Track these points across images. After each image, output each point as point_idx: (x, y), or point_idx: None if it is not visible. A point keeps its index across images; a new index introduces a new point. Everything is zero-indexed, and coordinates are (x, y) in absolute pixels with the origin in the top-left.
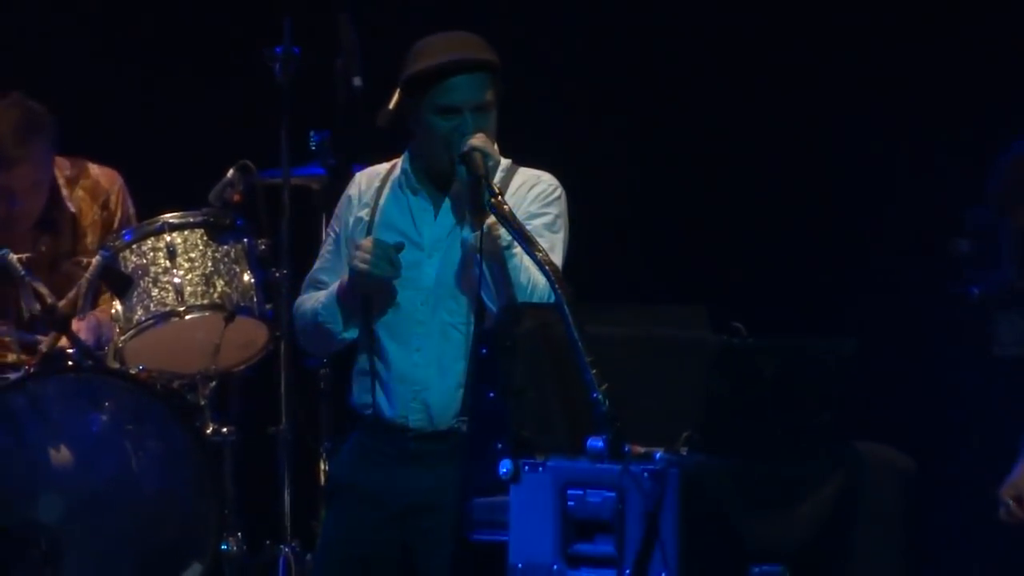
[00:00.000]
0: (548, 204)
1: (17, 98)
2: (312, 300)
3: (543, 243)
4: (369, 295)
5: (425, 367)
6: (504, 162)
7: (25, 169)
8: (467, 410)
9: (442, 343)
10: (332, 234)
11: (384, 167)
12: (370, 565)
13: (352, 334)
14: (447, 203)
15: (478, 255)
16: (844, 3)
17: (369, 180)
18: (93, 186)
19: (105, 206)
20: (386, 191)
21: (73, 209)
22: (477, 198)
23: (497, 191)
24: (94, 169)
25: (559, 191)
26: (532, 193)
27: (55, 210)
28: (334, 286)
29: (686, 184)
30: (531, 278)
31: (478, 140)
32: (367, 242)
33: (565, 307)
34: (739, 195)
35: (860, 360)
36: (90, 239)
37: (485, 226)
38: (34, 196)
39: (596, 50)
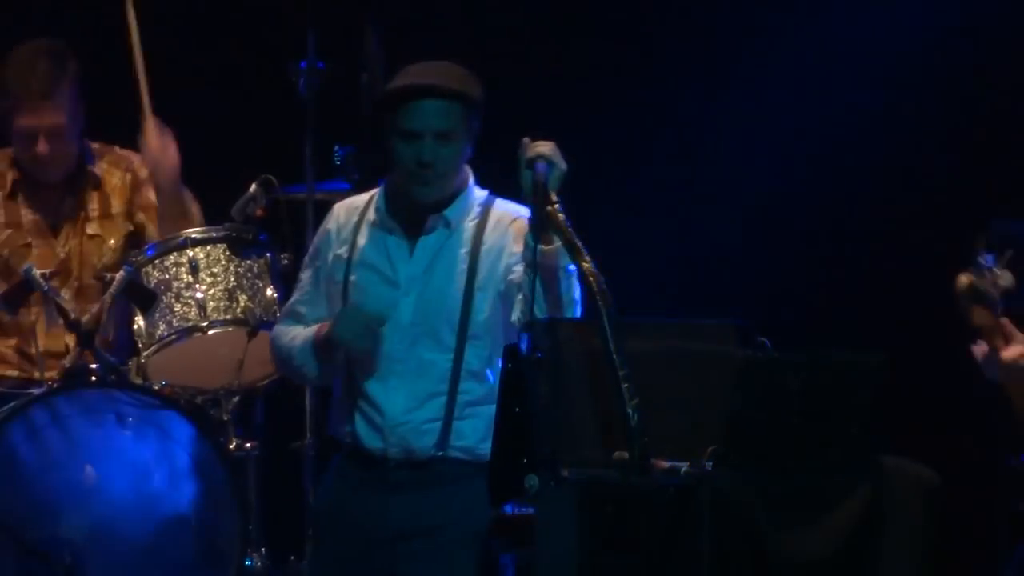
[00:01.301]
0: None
1: (44, 41)
2: (288, 337)
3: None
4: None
5: (403, 402)
6: (480, 194)
7: (51, 109)
8: (445, 443)
9: (418, 379)
10: (310, 267)
11: (362, 199)
12: None
13: (325, 380)
14: (422, 240)
15: (531, 269)
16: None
17: (348, 214)
18: (118, 158)
19: (129, 169)
20: (363, 227)
21: (99, 172)
22: (539, 206)
23: (554, 200)
24: (121, 150)
25: None
26: (514, 228)
27: (82, 174)
28: (311, 332)
29: (712, 198)
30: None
31: (545, 148)
32: (353, 312)
33: (605, 319)
34: (764, 208)
35: (886, 374)
36: (115, 204)
37: (541, 248)
38: (58, 144)
39: (630, 63)
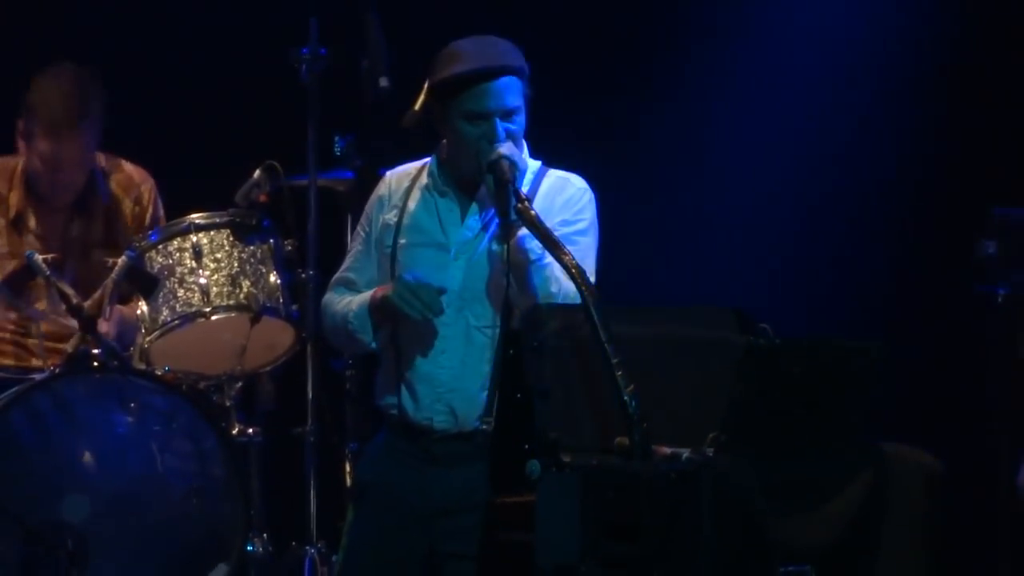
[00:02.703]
0: (579, 210)
1: (70, 67)
2: (343, 304)
3: (576, 250)
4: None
5: (449, 369)
6: (533, 164)
7: (76, 140)
8: (491, 411)
9: (466, 346)
10: (362, 233)
11: (413, 168)
12: (398, 566)
13: (380, 345)
14: (474, 207)
15: (505, 266)
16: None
17: (399, 181)
18: (126, 180)
19: (137, 201)
20: (414, 193)
21: (107, 198)
22: (504, 205)
23: (523, 197)
24: (127, 166)
25: (588, 194)
26: (561, 199)
27: (91, 196)
28: (366, 296)
29: (712, 184)
30: (561, 287)
31: (505, 148)
32: (413, 283)
33: (592, 309)
34: (763, 195)
35: (886, 361)
36: (122, 232)
37: (512, 239)
38: (79, 169)
39: (626, 50)
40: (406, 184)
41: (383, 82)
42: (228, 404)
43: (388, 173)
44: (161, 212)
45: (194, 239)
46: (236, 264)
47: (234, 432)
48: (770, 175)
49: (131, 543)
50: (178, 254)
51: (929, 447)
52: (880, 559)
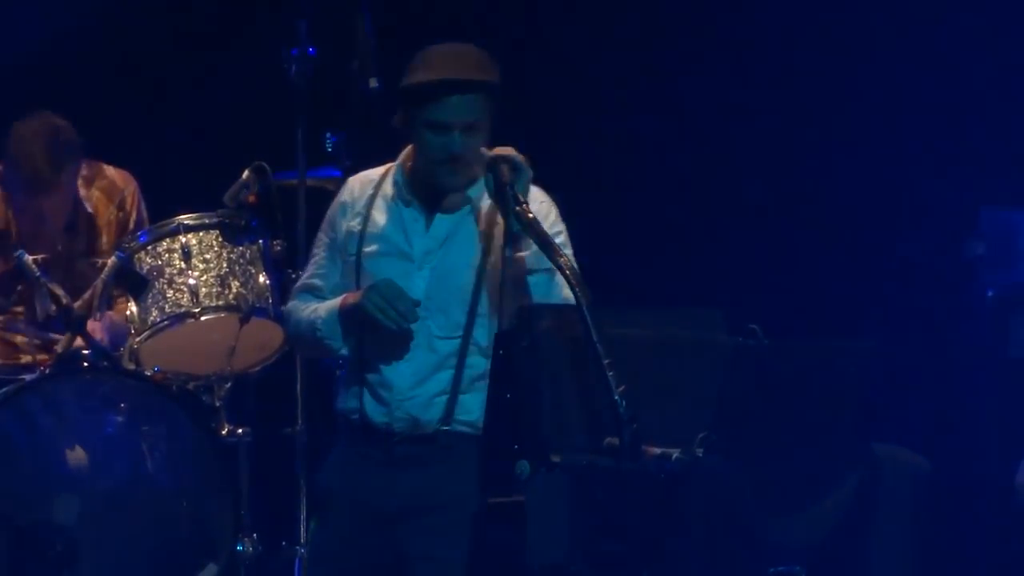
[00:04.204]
0: (553, 222)
1: (46, 119)
2: (309, 311)
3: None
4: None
5: (410, 376)
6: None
7: (58, 193)
8: (450, 416)
9: (428, 354)
10: (325, 239)
11: (377, 173)
12: (363, 573)
13: (349, 349)
14: (439, 216)
15: (504, 273)
16: (857, 1)
17: (362, 187)
18: (109, 186)
19: (121, 207)
20: (378, 201)
21: (90, 209)
22: (503, 207)
23: (522, 200)
24: (109, 170)
25: (554, 206)
26: (541, 215)
27: (74, 213)
28: (335, 303)
29: (702, 186)
30: (562, 298)
31: (507, 150)
32: (388, 289)
33: (586, 311)
34: (755, 197)
35: (876, 362)
36: (105, 239)
37: (509, 254)
38: (62, 214)
39: (612, 49)
40: (369, 191)
41: (373, 83)
42: (218, 404)
43: (351, 179)
44: (145, 214)
45: (183, 240)
46: (225, 265)
47: (224, 432)
48: (760, 176)
49: (121, 543)
50: (167, 255)
51: (919, 447)
52: (870, 558)
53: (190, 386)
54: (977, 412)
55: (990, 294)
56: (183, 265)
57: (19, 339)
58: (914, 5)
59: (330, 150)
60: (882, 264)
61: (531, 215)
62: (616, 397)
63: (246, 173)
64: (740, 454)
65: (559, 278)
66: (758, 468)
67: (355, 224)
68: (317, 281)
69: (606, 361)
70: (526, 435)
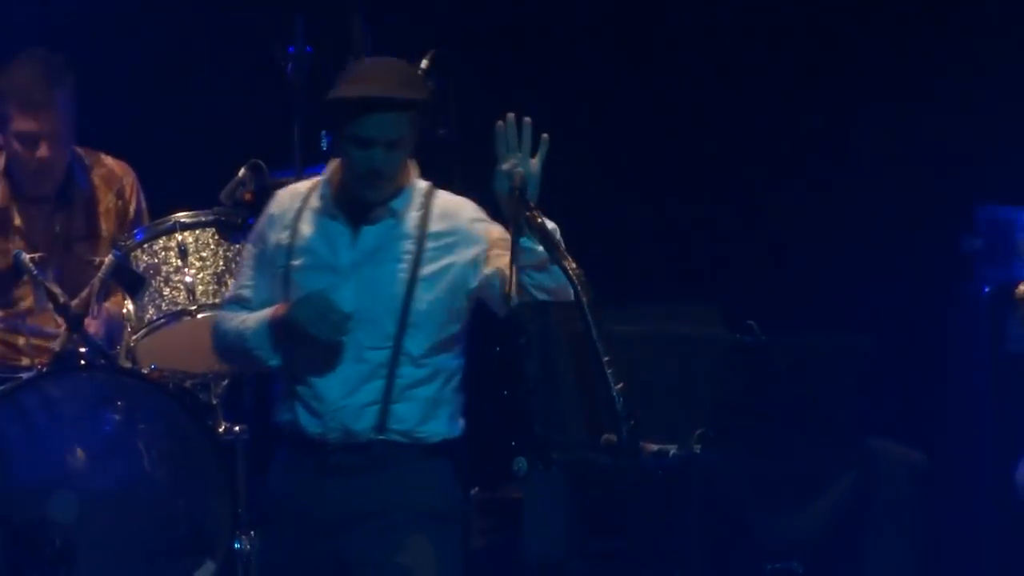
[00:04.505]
0: (481, 218)
1: (40, 49)
2: (237, 322)
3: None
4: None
5: (340, 387)
6: (422, 185)
7: (50, 114)
8: (383, 425)
9: (357, 364)
10: (254, 251)
11: (304, 186)
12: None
13: (279, 360)
14: (365, 229)
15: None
16: None
17: (291, 200)
18: (108, 174)
19: (120, 195)
20: (306, 214)
21: (89, 189)
22: (515, 214)
23: (532, 206)
24: (108, 159)
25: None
26: (464, 216)
27: (71, 188)
28: (264, 315)
29: (699, 183)
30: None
31: (519, 178)
32: (319, 301)
33: (587, 310)
34: (751, 193)
35: (872, 357)
36: (104, 226)
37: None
38: (58, 148)
39: (608, 46)
40: (297, 204)
41: None
42: (214, 402)
43: (279, 191)
44: (144, 204)
45: (180, 238)
46: (222, 263)
47: (220, 430)
48: (756, 171)
49: (118, 541)
50: (164, 253)
51: (915, 442)
52: (867, 552)
53: (187, 384)
54: (973, 407)
55: (986, 290)
56: (179, 263)
57: (21, 341)
58: (912, 1)
59: (325, 148)
60: (879, 261)
61: (540, 220)
62: (614, 394)
63: (242, 171)
64: (737, 450)
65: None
66: (755, 464)
67: (283, 237)
68: (245, 292)
69: (605, 359)
70: (523, 432)
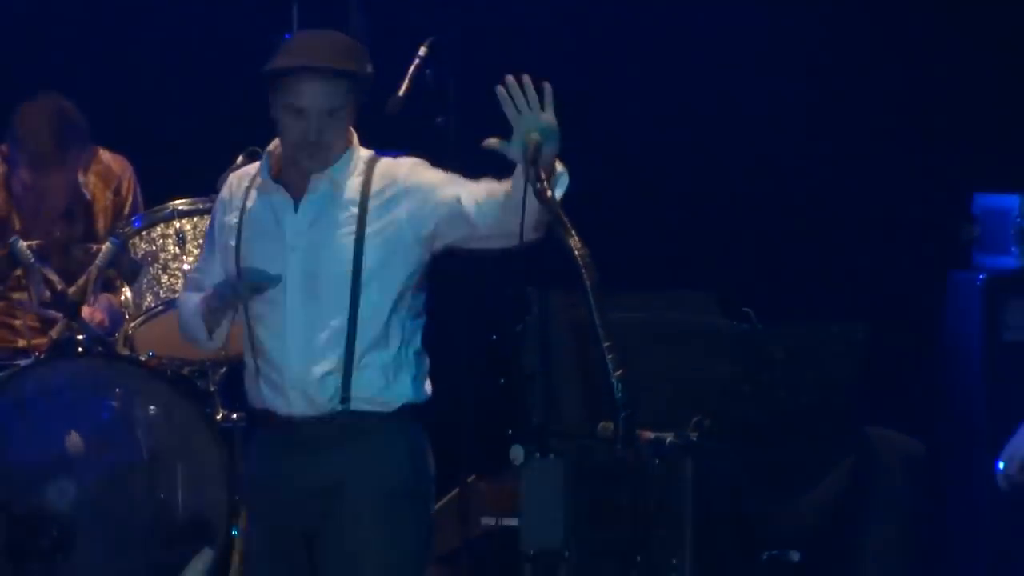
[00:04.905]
0: (419, 165)
1: (55, 99)
2: (186, 304)
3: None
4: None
5: (299, 357)
6: (365, 153)
7: (61, 173)
8: (347, 393)
9: (315, 333)
10: (209, 235)
11: (254, 167)
12: (286, 556)
13: (215, 344)
14: (306, 197)
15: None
16: None
17: (239, 182)
18: (105, 171)
19: (117, 192)
20: (251, 192)
21: (88, 196)
22: (530, 177)
23: (544, 177)
24: (105, 155)
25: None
26: (402, 170)
27: (74, 199)
28: (199, 300)
29: (695, 169)
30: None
31: (546, 118)
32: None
33: (590, 293)
34: (747, 180)
35: (869, 345)
36: (101, 224)
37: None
38: (63, 195)
39: (606, 34)
40: (245, 183)
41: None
42: (212, 389)
43: (232, 174)
44: (140, 200)
45: (177, 225)
46: None
47: (219, 417)
48: (752, 158)
49: (116, 528)
50: (162, 240)
51: (912, 431)
52: (863, 541)
53: (185, 371)
54: (969, 395)
55: (983, 278)
56: (177, 250)
57: (17, 322)
58: None
59: None
60: (875, 248)
61: (550, 194)
62: (613, 380)
63: (240, 158)
64: (734, 438)
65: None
66: (752, 452)
67: (232, 217)
68: (198, 275)
69: (606, 344)
70: (520, 420)
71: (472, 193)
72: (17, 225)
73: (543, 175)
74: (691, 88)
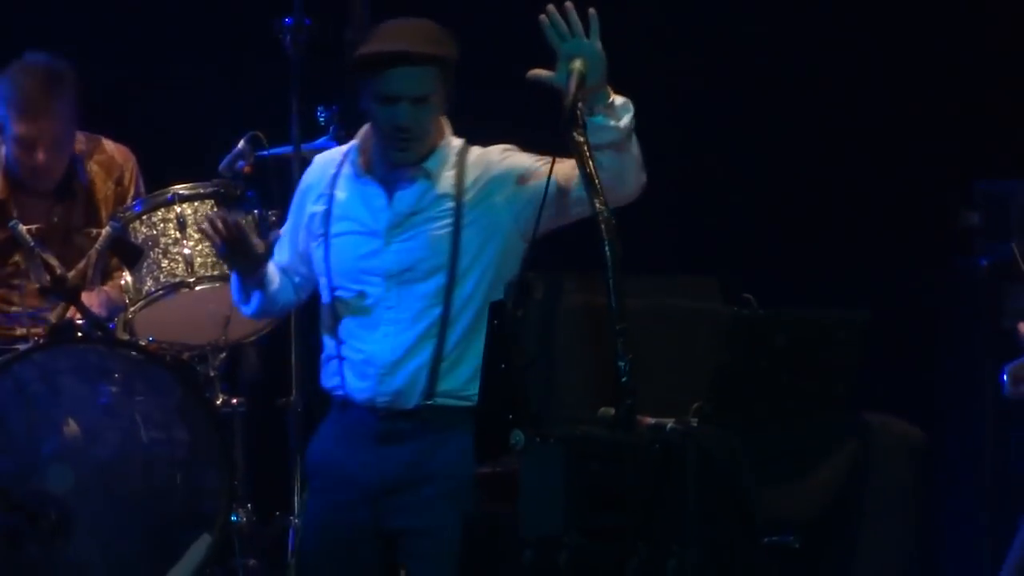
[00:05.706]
0: (509, 150)
1: (43, 54)
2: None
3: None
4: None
5: (389, 350)
6: (456, 142)
7: (49, 120)
8: (434, 388)
9: (412, 326)
10: (291, 219)
11: (339, 152)
12: (348, 545)
13: (251, 308)
14: (400, 190)
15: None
16: None
17: (324, 168)
18: (108, 161)
19: (119, 182)
20: (341, 181)
21: (87, 181)
22: (567, 111)
23: (582, 125)
24: (108, 145)
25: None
26: (494, 157)
27: (72, 180)
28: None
29: (698, 155)
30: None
31: (581, 64)
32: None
33: (610, 265)
34: (750, 167)
35: (870, 332)
36: (103, 213)
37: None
38: (56, 153)
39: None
40: (332, 171)
41: None
42: (212, 374)
43: (316, 158)
44: (142, 190)
45: (178, 210)
46: None
47: (218, 403)
48: (754, 146)
49: (115, 514)
50: (162, 224)
51: (912, 417)
52: (864, 529)
53: (185, 356)
54: (970, 382)
55: (984, 265)
56: (178, 235)
57: (14, 309)
58: None
59: (322, 124)
60: (877, 235)
61: (583, 139)
62: (623, 362)
63: (241, 143)
64: (734, 424)
65: None
66: (752, 438)
67: (319, 205)
68: (276, 257)
69: (619, 326)
70: (520, 405)
71: (565, 171)
72: (15, 211)
73: (579, 123)
74: (691, 71)
